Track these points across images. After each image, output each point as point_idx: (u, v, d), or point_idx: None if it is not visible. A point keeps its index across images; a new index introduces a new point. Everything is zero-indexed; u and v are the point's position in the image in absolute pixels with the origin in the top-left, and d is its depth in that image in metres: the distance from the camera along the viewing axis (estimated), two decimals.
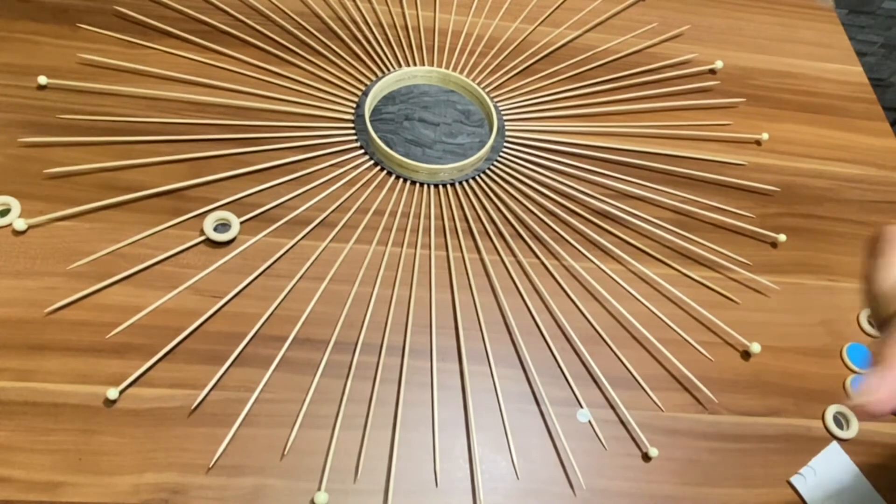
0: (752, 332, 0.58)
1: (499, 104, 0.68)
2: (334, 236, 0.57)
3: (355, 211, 0.59)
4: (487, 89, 0.69)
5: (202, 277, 0.53)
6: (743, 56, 0.80)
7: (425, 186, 0.62)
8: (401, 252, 0.57)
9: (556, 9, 0.79)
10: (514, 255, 0.59)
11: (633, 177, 0.66)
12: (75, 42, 0.64)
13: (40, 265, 0.51)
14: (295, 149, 0.61)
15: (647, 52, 0.77)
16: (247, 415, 0.47)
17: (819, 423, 0.55)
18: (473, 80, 0.69)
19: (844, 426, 0.55)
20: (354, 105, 0.65)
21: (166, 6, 0.69)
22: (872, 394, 0.38)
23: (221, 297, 0.52)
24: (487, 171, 0.64)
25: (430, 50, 0.71)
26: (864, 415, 0.38)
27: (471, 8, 0.77)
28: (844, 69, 0.82)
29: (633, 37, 0.78)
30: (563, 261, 0.59)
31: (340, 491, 0.46)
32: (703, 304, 0.59)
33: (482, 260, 0.58)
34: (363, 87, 0.67)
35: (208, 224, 0.55)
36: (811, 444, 0.53)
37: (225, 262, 0.54)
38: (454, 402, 0.51)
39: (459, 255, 0.58)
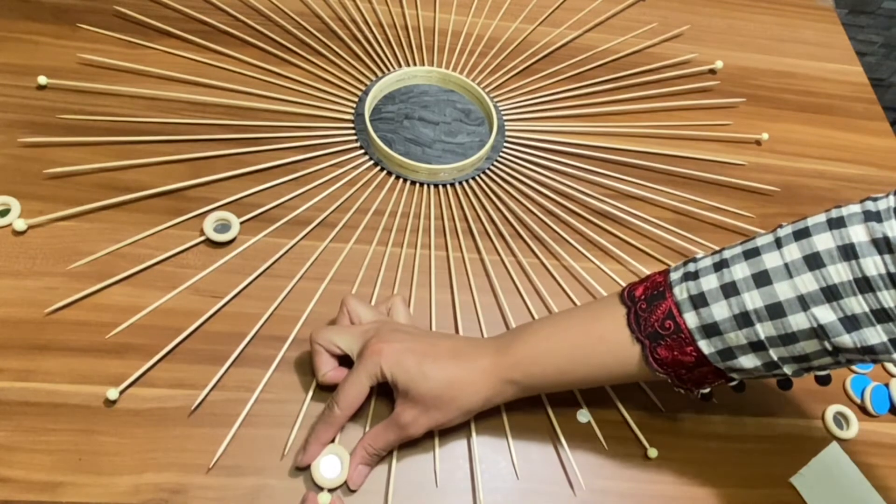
0: None
1: (499, 104, 0.68)
2: (334, 236, 0.57)
3: (355, 211, 0.59)
4: (487, 89, 0.69)
5: (202, 277, 0.53)
6: (743, 56, 0.80)
7: (425, 186, 0.62)
8: (401, 252, 0.57)
9: (556, 9, 0.79)
10: (514, 255, 0.59)
11: (633, 177, 0.66)
12: (75, 42, 0.64)
13: (40, 265, 0.51)
14: (295, 149, 0.61)
15: (647, 52, 0.77)
16: (247, 415, 0.47)
17: (819, 423, 0.55)
18: (473, 80, 0.69)
19: (844, 426, 0.55)
20: (354, 105, 0.65)
21: (166, 6, 0.69)
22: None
23: (221, 297, 0.52)
24: (487, 171, 0.64)
25: (430, 50, 0.71)
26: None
27: (471, 8, 0.77)
28: (844, 69, 0.82)
29: (633, 37, 0.78)
30: (563, 261, 0.59)
31: (341, 491, 0.46)
32: None
33: (482, 260, 0.58)
34: (363, 87, 0.67)
35: (208, 224, 0.55)
36: (811, 444, 0.53)
37: (225, 262, 0.54)
38: None
39: (459, 255, 0.58)
